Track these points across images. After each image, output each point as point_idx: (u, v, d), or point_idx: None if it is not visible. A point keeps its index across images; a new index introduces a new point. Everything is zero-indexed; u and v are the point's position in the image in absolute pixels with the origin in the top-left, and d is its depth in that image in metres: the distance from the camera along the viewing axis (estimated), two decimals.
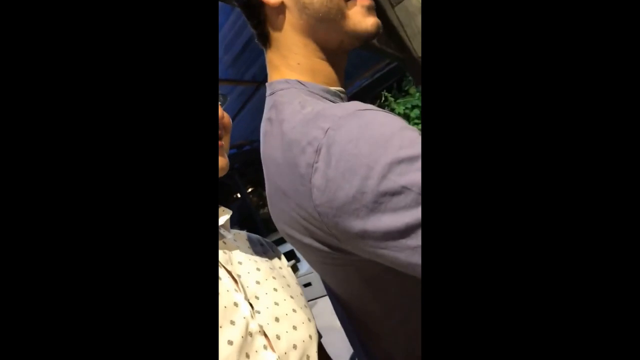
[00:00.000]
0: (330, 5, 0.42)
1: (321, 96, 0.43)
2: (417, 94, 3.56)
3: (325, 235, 0.37)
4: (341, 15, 0.42)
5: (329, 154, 0.33)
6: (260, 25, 0.45)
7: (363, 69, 4.26)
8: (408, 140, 0.32)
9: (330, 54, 0.45)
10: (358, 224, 0.32)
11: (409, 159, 0.30)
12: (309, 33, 0.43)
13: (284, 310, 0.49)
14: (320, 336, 0.56)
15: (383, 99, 3.87)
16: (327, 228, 0.35)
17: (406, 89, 3.80)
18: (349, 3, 0.43)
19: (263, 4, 0.43)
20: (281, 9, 0.43)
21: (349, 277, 0.42)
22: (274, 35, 0.45)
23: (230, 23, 3.11)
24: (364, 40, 0.44)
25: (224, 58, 3.53)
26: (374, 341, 0.47)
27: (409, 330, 0.43)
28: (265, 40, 0.46)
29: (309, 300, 0.57)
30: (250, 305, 0.46)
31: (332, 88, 0.45)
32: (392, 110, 3.80)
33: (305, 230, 0.39)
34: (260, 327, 0.45)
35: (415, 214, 0.30)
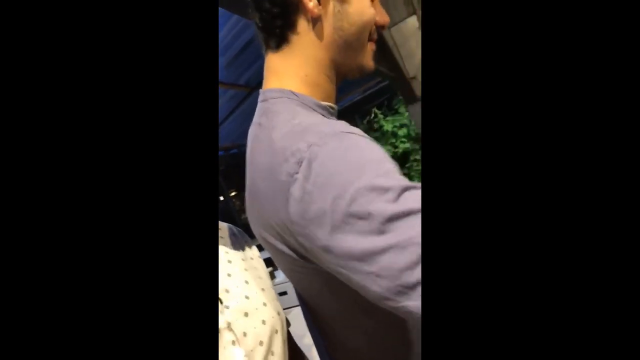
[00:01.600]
0: (361, 37, 0.45)
1: (312, 109, 0.44)
2: (406, 113, 3.62)
3: (295, 243, 0.38)
4: (361, 49, 0.46)
5: (309, 168, 0.34)
6: (285, 28, 0.45)
7: (355, 85, 4.33)
8: (384, 171, 0.33)
9: (336, 75, 0.47)
10: (324, 239, 0.34)
11: (381, 189, 0.32)
12: (332, 51, 0.45)
13: (254, 305, 0.49)
14: (288, 324, 0.56)
15: (373, 115, 3.93)
16: (296, 236, 0.37)
17: (396, 107, 3.87)
18: (369, 42, 0.47)
19: (301, 10, 0.44)
20: (316, 20, 0.44)
21: (315, 286, 0.44)
22: (296, 41, 0.45)
23: (228, 27, 3.13)
24: (362, 75, 0.49)
25: (219, 60, 3.53)
26: (338, 350, 0.48)
27: (373, 344, 0.44)
28: (280, 43, 0.46)
29: (284, 309, 0.57)
30: (220, 300, 0.47)
31: (324, 102, 0.46)
32: (381, 127, 3.86)
33: (278, 235, 0.40)
34: (228, 323, 0.45)
35: (374, 242, 0.31)
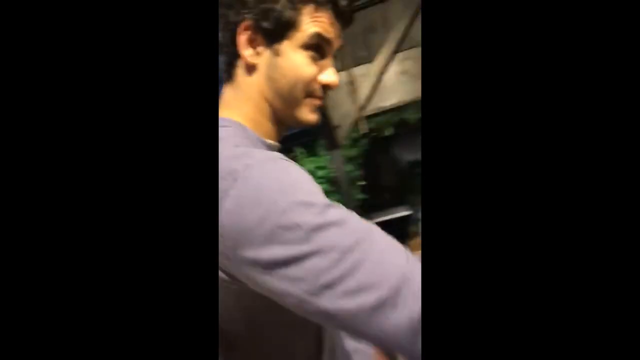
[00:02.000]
0: (293, 91, 0.48)
1: (254, 142, 0.49)
2: (324, 157, 3.85)
3: (221, 257, 0.40)
4: (296, 103, 0.50)
5: (244, 185, 0.38)
6: (229, 67, 0.50)
7: None
8: (311, 191, 0.40)
9: (276, 119, 0.52)
10: (252, 252, 0.37)
11: (308, 204, 0.37)
12: (267, 98, 0.50)
13: None
14: None
15: (296, 153, 4.06)
16: (224, 249, 0.39)
17: (316, 150, 4.07)
18: (307, 98, 0.50)
19: (240, 55, 0.48)
20: (252, 67, 0.48)
21: (227, 302, 0.45)
22: (237, 80, 0.50)
23: None
24: (302, 126, 0.53)
25: None
26: None
27: None
28: (227, 78, 0.51)
29: None
30: None
31: (268, 141, 0.51)
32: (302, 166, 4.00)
33: None
34: None
35: (299, 249, 0.35)
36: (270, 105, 0.50)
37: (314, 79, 0.49)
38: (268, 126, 0.52)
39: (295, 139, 4.49)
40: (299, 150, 3.97)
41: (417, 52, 2.24)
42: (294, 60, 0.47)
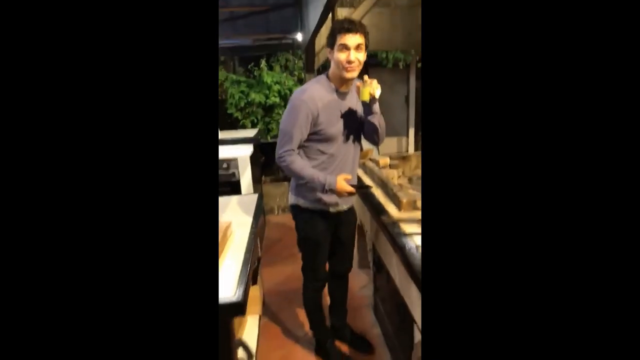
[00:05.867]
0: (339, 66, 1.36)
1: (322, 84, 1.44)
2: (283, 74, 4.27)
3: None
4: (340, 69, 1.37)
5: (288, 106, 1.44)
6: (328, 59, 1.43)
7: (245, 31, 4.58)
8: (291, 125, 1.38)
9: (337, 76, 1.41)
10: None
11: (284, 130, 1.41)
12: (334, 68, 1.40)
13: None
14: None
15: (262, 65, 4.41)
16: None
17: (273, 64, 4.43)
18: (343, 69, 1.37)
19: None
20: (330, 58, 1.40)
21: None
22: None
23: None
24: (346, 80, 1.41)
25: None
26: None
27: None
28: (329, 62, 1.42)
29: None
30: None
31: (332, 85, 1.43)
32: (261, 77, 4.37)
33: None
34: None
35: (281, 128, 1.42)
36: (335, 70, 1.37)
37: (344, 60, 1.32)
38: (336, 79, 1.40)
39: (256, 50, 4.57)
40: (264, 64, 4.38)
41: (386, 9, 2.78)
42: (337, 54, 1.32)
